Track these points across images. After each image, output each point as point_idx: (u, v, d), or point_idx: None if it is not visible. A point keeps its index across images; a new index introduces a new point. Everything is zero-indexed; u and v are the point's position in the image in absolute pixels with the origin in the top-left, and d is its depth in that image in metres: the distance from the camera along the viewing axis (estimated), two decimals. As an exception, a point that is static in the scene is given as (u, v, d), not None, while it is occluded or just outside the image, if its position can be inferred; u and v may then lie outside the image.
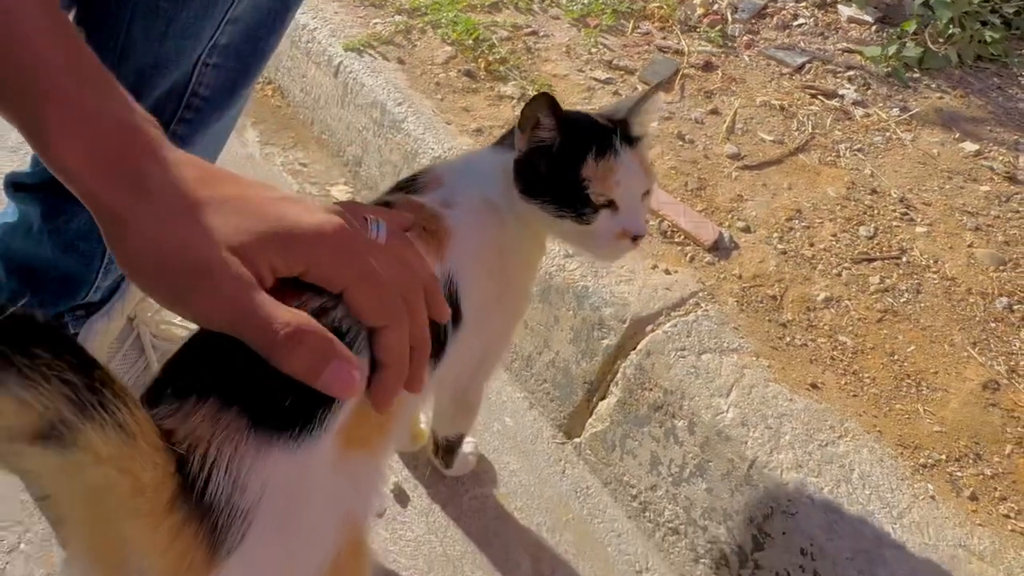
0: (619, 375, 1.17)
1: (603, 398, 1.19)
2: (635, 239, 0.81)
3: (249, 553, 0.46)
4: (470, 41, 1.77)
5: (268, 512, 0.47)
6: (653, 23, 1.95)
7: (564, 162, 0.80)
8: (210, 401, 0.47)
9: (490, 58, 1.73)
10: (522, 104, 1.62)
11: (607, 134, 0.81)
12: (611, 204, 0.81)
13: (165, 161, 0.44)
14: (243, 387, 0.45)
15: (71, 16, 0.80)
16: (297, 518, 0.49)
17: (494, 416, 1.25)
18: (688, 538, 1.07)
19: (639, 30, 1.93)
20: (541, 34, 1.85)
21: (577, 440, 1.22)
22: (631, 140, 0.83)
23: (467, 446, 1.15)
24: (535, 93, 0.83)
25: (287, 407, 0.49)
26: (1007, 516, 0.99)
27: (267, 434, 0.47)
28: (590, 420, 1.21)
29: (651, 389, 1.12)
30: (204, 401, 0.47)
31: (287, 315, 0.45)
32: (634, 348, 1.16)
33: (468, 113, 1.59)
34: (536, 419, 1.27)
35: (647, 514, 1.13)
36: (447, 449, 1.09)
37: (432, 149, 1.47)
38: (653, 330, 1.16)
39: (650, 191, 0.85)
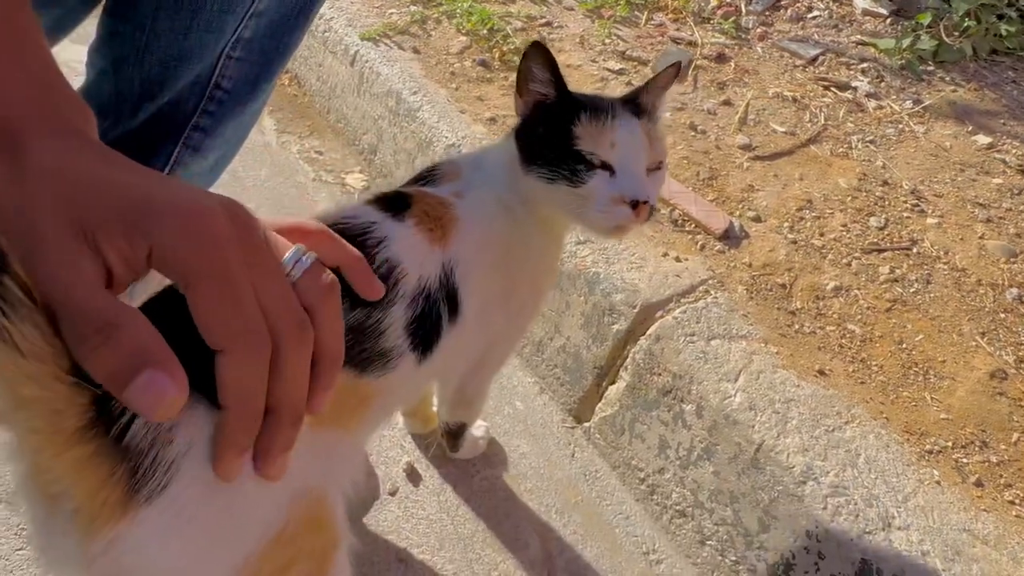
0: (629, 360, 1.19)
1: (613, 383, 1.21)
2: (635, 207, 0.75)
3: (170, 504, 0.45)
4: (485, 31, 1.78)
5: (195, 467, 0.45)
6: (667, 14, 1.96)
7: (559, 118, 0.76)
8: None
9: (504, 48, 1.75)
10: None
11: (607, 99, 0.80)
12: (607, 168, 0.77)
13: (55, 140, 0.39)
14: (183, 340, 0.40)
15: (100, 8, 0.83)
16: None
17: (505, 400, 1.27)
18: (695, 520, 1.09)
19: (653, 21, 1.93)
20: (555, 25, 1.86)
21: (587, 424, 1.24)
22: (637, 111, 0.80)
23: (478, 430, 1.17)
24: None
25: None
26: (1012, 502, 1.00)
27: (198, 391, 0.43)
28: (599, 404, 1.22)
29: (660, 374, 1.14)
30: None
31: (106, 305, 0.38)
32: (644, 333, 1.18)
33: (482, 102, 1.61)
34: (546, 403, 1.29)
35: (655, 497, 1.14)
36: (450, 434, 1.11)
37: (446, 137, 1.49)
38: (663, 316, 1.18)
39: (660, 170, 0.81)
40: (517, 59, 1.76)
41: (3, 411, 0.41)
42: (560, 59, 1.78)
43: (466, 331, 0.77)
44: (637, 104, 0.82)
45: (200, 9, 0.78)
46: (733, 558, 1.05)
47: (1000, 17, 1.92)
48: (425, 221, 0.73)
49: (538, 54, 0.78)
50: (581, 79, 1.69)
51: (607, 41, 1.82)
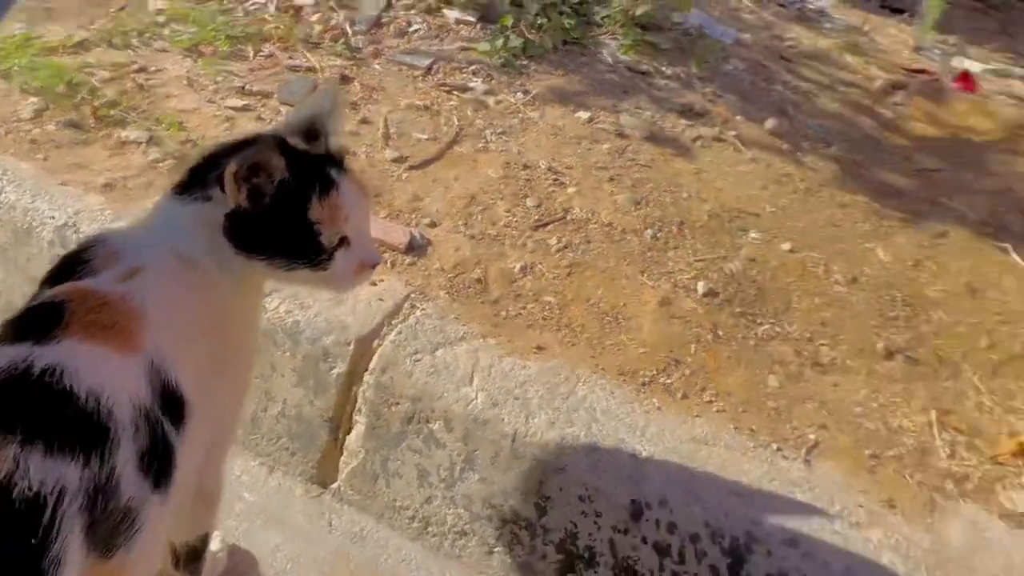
0: (360, 401, 1.10)
1: (349, 431, 1.11)
2: (373, 266, 0.81)
3: None
4: (62, 87, 1.49)
5: None
6: (274, 44, 1.87)
7: (287, 209, 0.72)
8: None
9: (96, 103, 1.48)
10: (153, 148, 1.42)
11: (321, 167, 0.75)
12: (343, 241, 0.77)
13: None
14: None
15: None
16: None
17: (233, 496, 1.08)
18: (477, 535, 1.06)
19: (262, 53, 1.83)
20: (151, 69, 1.64)
21: (334, 485, 1.12)
22: (342, 164, 0.79)
23: (212, 543, 0.97)
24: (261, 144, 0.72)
25: None
26: (710, 402, 1.17)
27: None
28: (343, 459, 1.11)
29: (398, 403, 1.08)
30: None
31: None
32: (367, 369, 1.10)
33: (86, 168, 1.34)
34: (281, 481, 1.13)
35: (430, 529, 1.08)
36: (191, 556, 0.90)
37: (54, 218, 1.20)
38: (380, 344, 1.11)
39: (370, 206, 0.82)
40: (116, 113, 1.52)
41: None
42: (171, 105, 1.58)
43: (195, 422, 0.65)
44: (338, 158, 0.79)
45: None
46: (522, 554, 1.04)
47: (561, 14, 2.25)
48: (94, 332, 0.60)
49: (274, 150, 0.71)
50: (203, 123, 1.52)
51: (219, 79, 1.67)
